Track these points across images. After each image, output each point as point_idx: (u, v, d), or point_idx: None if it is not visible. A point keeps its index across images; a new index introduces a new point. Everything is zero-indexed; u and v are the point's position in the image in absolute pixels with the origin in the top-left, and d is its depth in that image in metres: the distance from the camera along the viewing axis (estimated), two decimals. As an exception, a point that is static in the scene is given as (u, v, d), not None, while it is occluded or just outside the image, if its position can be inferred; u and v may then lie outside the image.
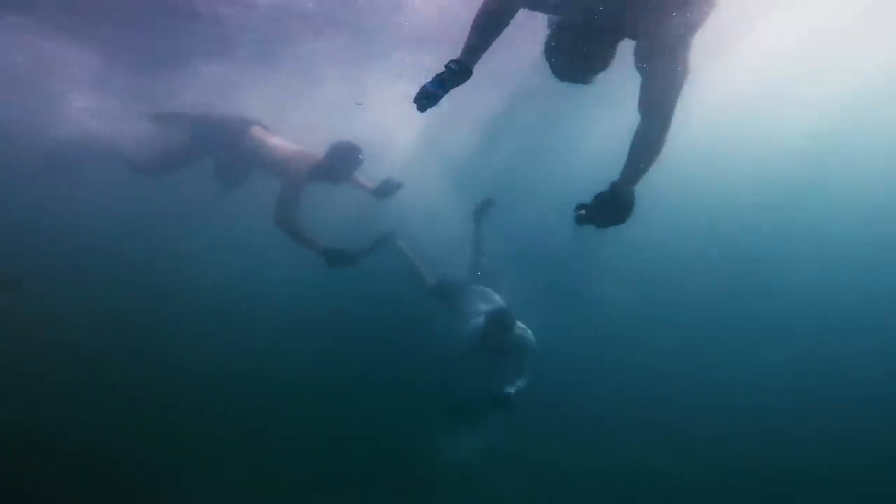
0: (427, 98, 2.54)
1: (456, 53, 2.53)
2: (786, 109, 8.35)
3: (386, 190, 5.70)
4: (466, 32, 2.55)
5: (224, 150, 5.67)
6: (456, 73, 2.54)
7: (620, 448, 6.32)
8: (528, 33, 2.65)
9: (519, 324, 5.65)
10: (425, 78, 2.50)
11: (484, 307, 5.80)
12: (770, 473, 6.17)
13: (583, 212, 2.63)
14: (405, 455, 5.80)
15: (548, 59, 2.56)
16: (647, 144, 2.57)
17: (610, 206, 2.56)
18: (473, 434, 5.79)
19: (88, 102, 6.90)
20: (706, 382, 7.22)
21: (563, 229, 8.11)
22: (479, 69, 2.53)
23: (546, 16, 2.55)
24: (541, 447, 6.32)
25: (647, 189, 2.64)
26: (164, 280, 6.99)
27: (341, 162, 5.30)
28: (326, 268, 5.13)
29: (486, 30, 2.55)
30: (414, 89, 2.47)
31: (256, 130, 5.66)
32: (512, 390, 5.27)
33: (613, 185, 2.59)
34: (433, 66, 2.57)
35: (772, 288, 8.75)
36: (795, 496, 6.02)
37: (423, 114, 2.62)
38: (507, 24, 2.56)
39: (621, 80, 2.61)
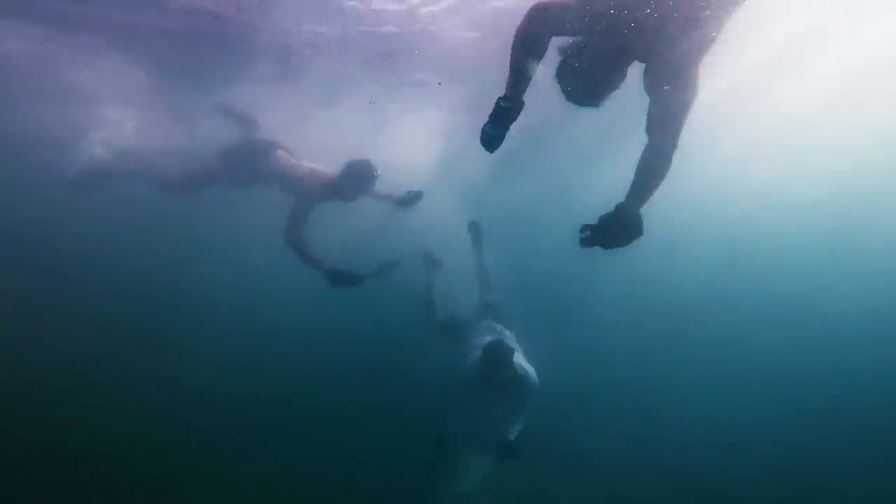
0: (491, 141, 2.60)
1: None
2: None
3: (408, 200, 5.66)
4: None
5: (249, 171, 5.73)
6: (509, 110, 2.57)
7: (621, 486, 6.18)
8: (547, 67, 2.63)
9: (522, 362, 5.46)
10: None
11: (487, 340, 5.69)
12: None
13: (588, 233, 2.60)
14: (396, 487, 5.64)
15: (560, 81, 2.61)
16: (654, 166, 2.57)
17: (615, 228, 2.55)
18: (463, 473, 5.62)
19: (123, 116, 7.01)
20: (712, 422, 7.05)
21: (575, 263, 8.10)
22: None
23: (559, 41, 2.59)
24: (539, 483, 6.16)
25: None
26: (167, 294, 7.00)
27: (356, 180, 5.29)
28: (330, 288, 5.09)
29: (525, 61, 2.57)
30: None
31: (281, 154, 5.74)
32: (513, 437, 4.96)
33: (619, 207, 2.57)
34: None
35: (788, 322, 8.50)
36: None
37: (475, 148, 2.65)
38: (544, 52, 2.58)
39: (637, 113, 2.61)
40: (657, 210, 2.60)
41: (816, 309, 8.86)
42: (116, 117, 6.98)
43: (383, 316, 6.88)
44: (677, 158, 2.52)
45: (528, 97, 2.55)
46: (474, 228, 6.46)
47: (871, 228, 9.75)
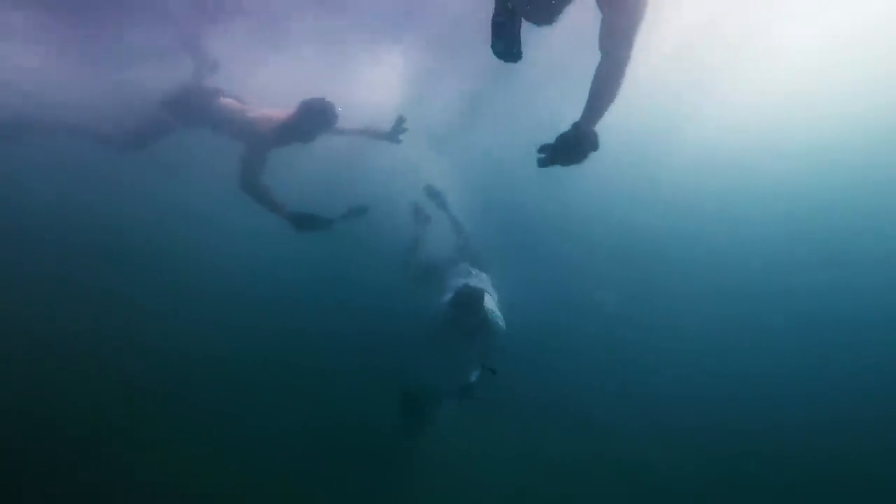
0: (505, 55, 2.70)
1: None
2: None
3: (397, 130, 5.56)
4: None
5: (196, 119, 5.50)
6: (503, 23, 2.65)
7: (612, 440, 6.16)
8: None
9: (491, 306, 5.38)
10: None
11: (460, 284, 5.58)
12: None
13: (546, 153, 2.67)
14: (375, 444, 5.58)
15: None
16: (608, 82, 2.64)
17: (572, 145, 2.61)
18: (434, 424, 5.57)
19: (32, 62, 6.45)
20: (709, 377, 7.02)
21: (553, 203, 7.90)
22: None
23: None
24: (526, 438, 6.13)
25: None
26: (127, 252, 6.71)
27: (314, 118, 5.10)
28: (295, 232, 4.98)
29: None
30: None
31: (227, 100, 5.49)
32: (473, 379, 4.99)
33: (575, 125, 2.63)
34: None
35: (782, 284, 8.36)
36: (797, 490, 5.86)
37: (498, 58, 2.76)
38: None
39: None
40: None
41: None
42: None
43: (355, 270, 6.71)
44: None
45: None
46: (431, 191, 6.33)
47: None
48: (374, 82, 6.55)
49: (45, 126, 5.60)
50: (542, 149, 2.70)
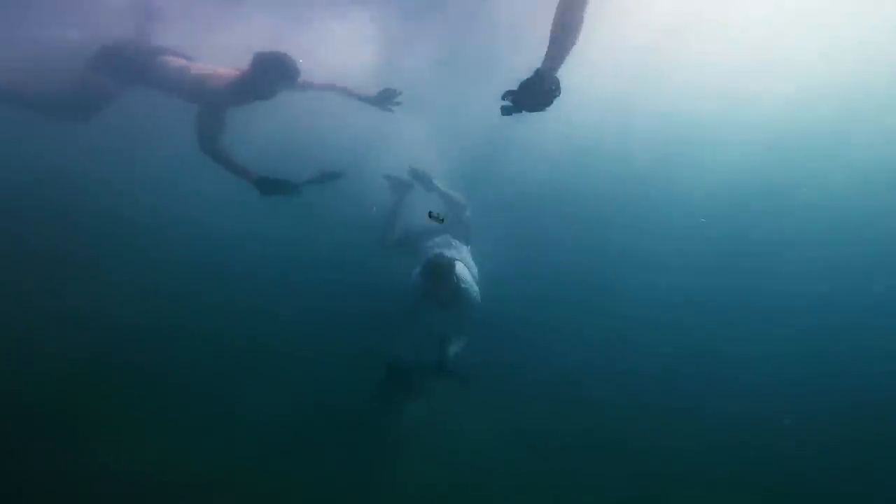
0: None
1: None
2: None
3: (386, 96, 5.20)
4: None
5: (136, 80, 5.10)
6: None
7: (596, 415, 5.93)
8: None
9: (466, 277, 5.16)
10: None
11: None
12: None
13: (509, 99, 2.69)
14: (353, 421, 5.32)
15: None
16: (567, 25, 2.65)
17: (535, 90, 2.65)
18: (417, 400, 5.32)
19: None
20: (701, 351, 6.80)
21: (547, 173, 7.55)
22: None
23: None
24: (509, 412, 5.89)
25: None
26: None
27: (271, 72, 4.72)
28: (259, 196, 4.74)
29: None
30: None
31: (170, 58, 5.05)
32: (449, 354, 4.82)
33: (538, 71, 2.67)
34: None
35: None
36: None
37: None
38: None
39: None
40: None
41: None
42: None
43: (329, 241, 6.39)
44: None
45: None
46: (416, 174, 6.02)
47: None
48: (341, 41, 6.14)
49: None
50: (505, 95, 2.71)
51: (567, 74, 2.70)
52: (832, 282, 7.49)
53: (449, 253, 5.49)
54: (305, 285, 6.17)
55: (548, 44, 2.69)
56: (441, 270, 4.88)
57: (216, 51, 5.21)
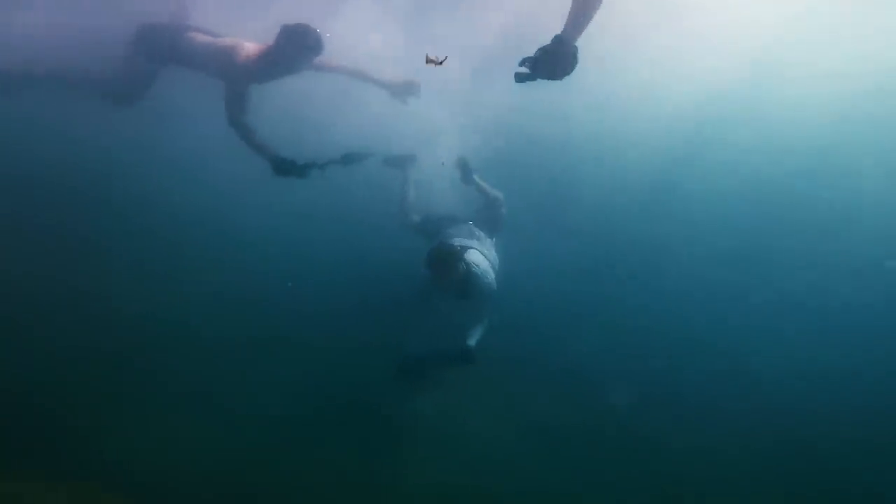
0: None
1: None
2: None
3: (407, 90, 5.28)
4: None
5: (167, 58, 5.28)
6: None
7: (619, 413, 5.68)
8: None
9: (477, 262, 5.06)
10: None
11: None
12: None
13: (525, 67, 2.63)
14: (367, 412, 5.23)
15: None
16: None
17: (553, 58, 2.60)
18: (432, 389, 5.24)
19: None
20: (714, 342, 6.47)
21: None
22: None
23: None
24: (526, 408, 5.71)
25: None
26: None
27: (295, 43, 4.82)
28: (273, 174, 4.83)
29: None
30: None
31: (196, 34, 5.21)
32: (472, 343, 4.75)
33: (557, 38, 2.62)
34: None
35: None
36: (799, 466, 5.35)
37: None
38: None
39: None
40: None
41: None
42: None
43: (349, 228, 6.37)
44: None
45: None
46: (461, 163, 5.96)
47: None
48: (362, 22, 6.13)
49: (39, 77, 5.47)
50: (522, 62, 2.64)
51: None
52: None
53: (462, 241, 5.39)
54: (318, 274, 6.11)
55: (570, 9, 2.63)
56: (444, 258, 4.74)
57: (248, 32, 5.28)
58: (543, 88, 2.82)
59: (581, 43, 2.66)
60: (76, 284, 5.54)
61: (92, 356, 4.95)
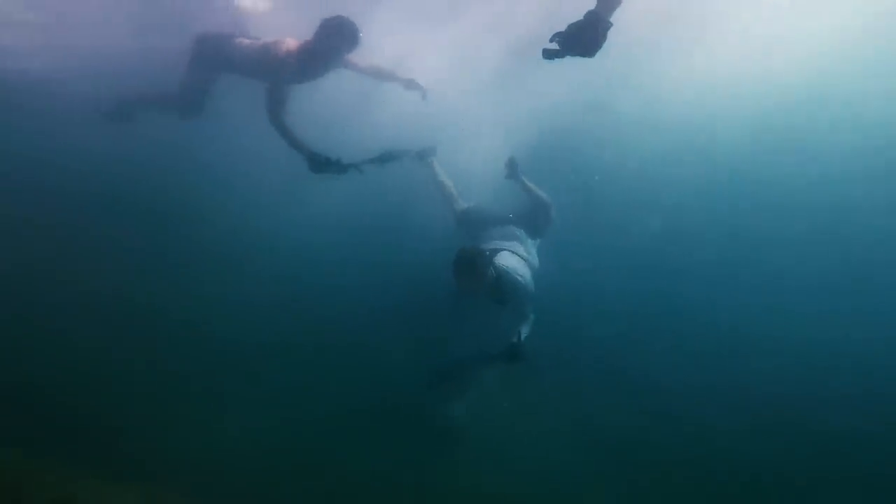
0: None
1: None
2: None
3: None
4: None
5: (219, 66, 5.51)
6: None
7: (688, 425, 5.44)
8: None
9: (509, 264, 4.81)
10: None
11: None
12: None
13: (556, 42, 2.60)
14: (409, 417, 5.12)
15: None
16: None
17: (586, 34, 2.55)
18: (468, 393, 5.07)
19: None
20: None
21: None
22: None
23: None
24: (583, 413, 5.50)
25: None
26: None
27: (333, 36, 4.93)
28: (308, 171, 4.90)
29: None
30: None
31: (241, 39, 5.42)
32: (519, 339, 4.49)
33: (590, 13, 2.57)
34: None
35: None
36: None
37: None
38: None
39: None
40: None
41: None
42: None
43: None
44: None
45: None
46: (511, 163, 5.71)
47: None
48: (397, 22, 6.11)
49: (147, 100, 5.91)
50: (553, 38, 2.61)
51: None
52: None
53: (496, 244, 5.22)
54: (359, 277, 6.09)
55: None
56: (463, 263, 4.53)
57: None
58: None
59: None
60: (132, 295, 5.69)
61: (142, 361, 5.03)
